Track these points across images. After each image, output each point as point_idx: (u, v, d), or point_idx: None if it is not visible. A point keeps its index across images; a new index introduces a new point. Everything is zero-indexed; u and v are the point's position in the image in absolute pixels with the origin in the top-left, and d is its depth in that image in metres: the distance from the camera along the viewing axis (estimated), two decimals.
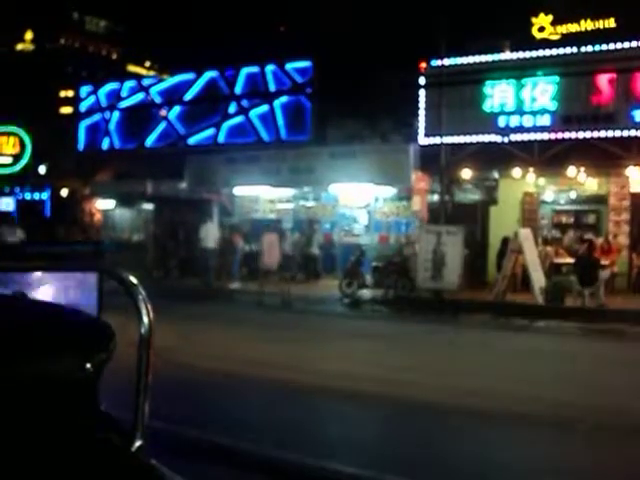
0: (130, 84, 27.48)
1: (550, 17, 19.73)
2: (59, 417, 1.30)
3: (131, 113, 27.35)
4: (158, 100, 26.38)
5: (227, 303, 18.06)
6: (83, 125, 28.11)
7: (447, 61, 18.99)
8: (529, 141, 18.74)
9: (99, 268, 1.98)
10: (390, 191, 21.71)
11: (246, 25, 41.83)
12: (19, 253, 11.26)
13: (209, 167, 23.63)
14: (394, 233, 21.99)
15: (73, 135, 27.90)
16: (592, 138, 17.88)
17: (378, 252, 20.80)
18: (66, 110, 45.47)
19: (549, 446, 6.29)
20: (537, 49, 18.73)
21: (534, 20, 19.79)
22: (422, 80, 20.61)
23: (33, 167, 29.04)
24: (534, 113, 18.80)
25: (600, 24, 19.18)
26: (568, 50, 18.15)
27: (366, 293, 18.21)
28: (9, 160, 29.27)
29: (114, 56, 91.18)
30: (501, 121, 19.20)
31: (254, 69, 24.21)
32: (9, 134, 29.44)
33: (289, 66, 23.59)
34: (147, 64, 77.74)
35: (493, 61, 19.38)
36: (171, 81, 26.48)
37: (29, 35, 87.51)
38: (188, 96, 25.40)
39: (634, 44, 17.43)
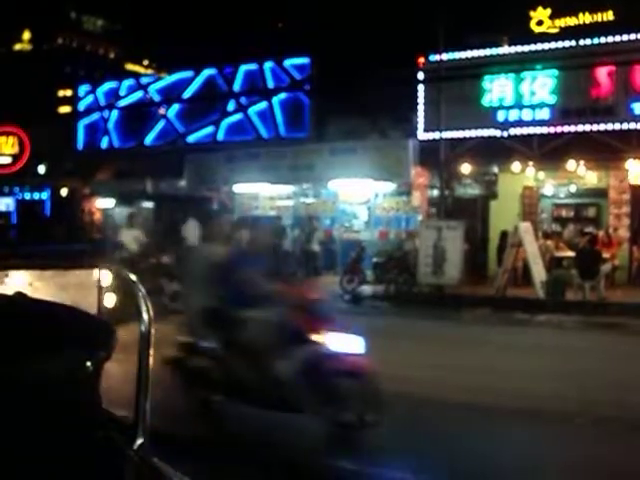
0: (128, 83, 27.45)
1: (548, 10, 19.71)
2: (59, 415, 1.30)
3: (130, 112, 27.34)
4: (157, 98, 26.36)
5: None
6: (82, 124, 28.09)
7: (445, 56, 18.95)
8: (528, 135, 18.73)
9: (98, 266, 1.98)
10: (390, 187, 21.70)
11: (244, 22, 41.80)
12: (20, 252, 11.26)
13: (208, 165, 23.62)
14: (394, 229, 21.98)
15: (72, 134, 27.88)
16: (591, 131, 17.87)
17: (378, 248, 20.80)
18: (65, 109, 45.51)
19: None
20: (536, 43, 18.69)
21: (532, 14, 19.77)
22: (421, 75, 20.59)
23: (32, 167, 29.02)
24: (533, 107, 18.78)
25: (598, 17, 19.17)
26: (567, 43, 18.12)
27: (367, 289, 18.19)
28: (8, 160, 29.20)
29: (112, 55, 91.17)
30: (500, 115, 19.18)
31: (252, 66, 24.18)
32: (8, 134, 29.40)
33: (287, 63, 23.56)
34: (145, 62, 77.74)
35: (492, 55, 19.34)
36: (169, 79, 26.44)
37: (27, 35, 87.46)
38: (187, 94, 25.39)
39: (633, 37, 17.41)
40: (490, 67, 19.09)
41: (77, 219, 26.98)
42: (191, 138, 25.28)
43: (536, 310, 15.17)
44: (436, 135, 19.09)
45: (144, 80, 27.82)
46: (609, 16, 18.99)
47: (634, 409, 7.40)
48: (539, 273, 16.74)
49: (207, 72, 25.10)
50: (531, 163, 19.02)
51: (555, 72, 18.35)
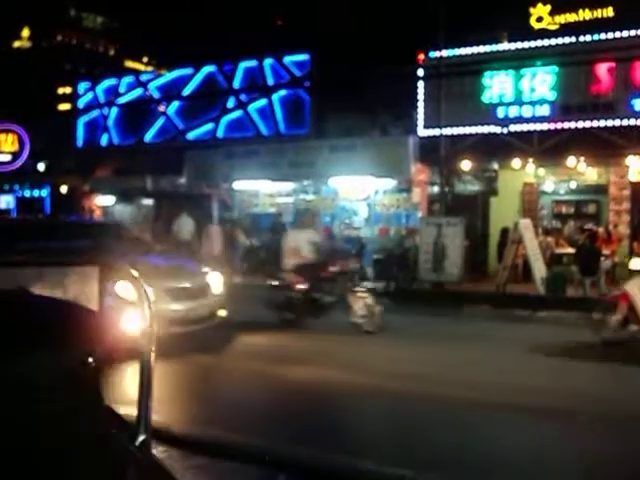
0: (128, 80, 27.43)
1: (548, 7, 19.67)
2: (61, 412, 1.29)
3: (130, 109, 27.32)
4: (156, 95, 26.34)
5: None
6: (82, 121, 28.08)
7: (445, 52, 18.94)
8: (528, 131, 18.71)
9: (99, 262, 1.97)
10: (390, 183, 21.68)
11: (244, 19, 41.73)
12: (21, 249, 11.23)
13: (208, 162, 23.61)
14: (394, 225, 21.97)
15: (72, 132, 27.87)
16: (592, 128, 17.86)
17: (379, 245, 20.81)
18: (64, 107, 45.45)
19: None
20: (535, 39, 18.67)
21: (532, 10, 19.73)
22: (420, 72, 20.58)
23: (32, 164, 29.01)
24: (533, 103, 18.76)
25: (598, 13, 19.12)
26: (567, 40, 18.10)
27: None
28: (8, 158, 29.20)
29: (112, 52, 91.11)
30: (500, 112, 19.16)
31: (252, 63, 24.16)
32: (7, 132, 29.38)
33: (287, 59, 23.54)
34: (145, 59, 77.60)
35: (492, 52, 19.33)
36: (169, 76, 26.42)
37: (26, 32, 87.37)
38: (186, 91, 25.38)
39: (633, 33, 17.38)
40: (490, 64, 19.07)
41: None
42: (191, 135, 25.27)
43: (536, 306, 15.17)
44: (436, 132, 19.10)
45: (144, 77, 27.80)
46: (609, 12, 18.95)
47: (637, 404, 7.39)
48: (539, 269, 16.74)
49: (207, 69, 25.08)
50: (531, 160, 19.02)
51: (555, 68, 18.33)
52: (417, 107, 20.19)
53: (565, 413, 7.05)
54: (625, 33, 17.46)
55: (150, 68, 57.15)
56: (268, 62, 23.81)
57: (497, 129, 19.02)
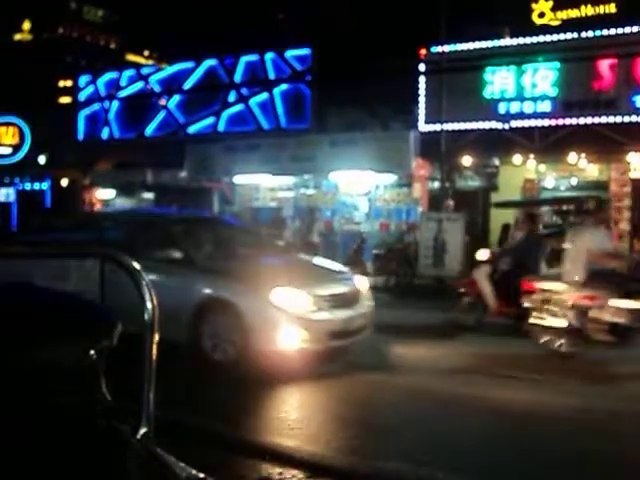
0: (129, 73, 27.38)
1: (550, 3, 19.63)
2: (63, 404, 1.29)
3: (130, 102, 27.28)
4: (157, 89, 26.31)
5: None
6: (82, 115, 28.05)
7: (447, 48, 18.91)
8: (530, 127, 18.69)
9: (101, 254, 1.96)
10: (391, 178, 21.66)
11: (245, 13, 41.70)
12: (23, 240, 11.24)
13: (209, 156, 23.60)
14: (395, 220, 21.96)
15: (72, 125, 27.84)
16: (593, 124, 17.83)
17: (379, 240, 20.79)
18: (65, 100, 45.44)
19: None
20: (537, 35, 18.65)
21: (534, 6, 19.69)
22: (422, 67, 20.54)
23: (33, 157, 29.01)
24: (535, 99, 18.73)
25: (601, 9, 19.08)
26: (569, 36, 18.07)
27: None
28: (9, 150, 29.23)
29: (113, 45, 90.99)
30: (501, 108, 19.13)
31: (253, 57, 24.11)
32: (8, 124, 29.39)
33: (288, 54, 23.49)
34: (146, 53, 77.54)
35: (493, 47, 19.29)
36: (170, 70, 26.37)
37: (27, 25, 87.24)
38: (187, 85, 25.35)
39: (635, 29, 17.35)
40: (492, 59, 19.04)
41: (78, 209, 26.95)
42: (192, 129, 25.24)
43: None
44: (437, 127, 19.08)
45: (145, 71, 27.75)
46: (611, 8, 18.91)
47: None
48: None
49: (208, 63, 25.03)
50: (532, 156, 19.00)
51: (557, 64, 18.31)
52: (418, 102, 20.17)
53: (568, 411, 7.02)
54: (627, 29, 17.43)
55: (151, 61, 57.12)
56: (269, 56, 23.76)
57: (498, 125, 19.00)
